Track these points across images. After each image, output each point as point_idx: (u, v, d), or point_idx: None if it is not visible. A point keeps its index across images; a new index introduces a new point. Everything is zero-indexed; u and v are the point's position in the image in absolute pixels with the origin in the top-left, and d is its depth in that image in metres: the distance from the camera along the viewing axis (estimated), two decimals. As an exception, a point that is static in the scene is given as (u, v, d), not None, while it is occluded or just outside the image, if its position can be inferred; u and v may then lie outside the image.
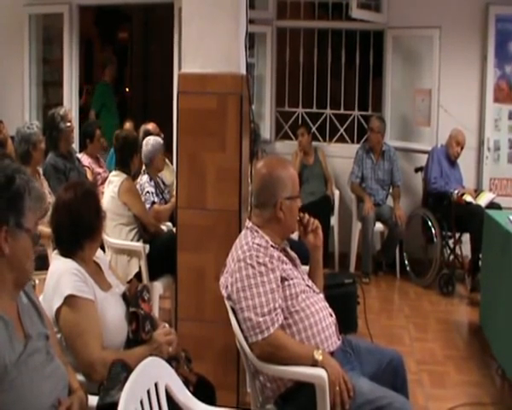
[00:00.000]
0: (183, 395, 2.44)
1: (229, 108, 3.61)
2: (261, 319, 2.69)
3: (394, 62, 7.32)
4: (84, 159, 6.17)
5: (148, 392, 2.24)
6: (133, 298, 2.82)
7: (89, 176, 5.92)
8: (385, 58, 7.36)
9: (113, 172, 4.99)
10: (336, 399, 2.63)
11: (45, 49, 8.79)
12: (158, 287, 4.65)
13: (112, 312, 2.74)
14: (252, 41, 7.20)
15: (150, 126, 6.58)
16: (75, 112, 7.96)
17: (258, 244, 2.83)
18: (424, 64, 7.18)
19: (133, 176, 5.11)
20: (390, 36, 7.26)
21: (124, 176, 4.84)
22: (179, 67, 6.90)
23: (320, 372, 2.64)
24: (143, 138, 5.67)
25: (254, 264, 2.76)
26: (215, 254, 3.55)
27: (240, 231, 3.40)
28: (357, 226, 6.78)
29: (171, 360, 2.69)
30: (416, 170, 6.88)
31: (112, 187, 4.82)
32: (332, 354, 2.81)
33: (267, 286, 2.74)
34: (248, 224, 2.96)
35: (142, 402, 2.18)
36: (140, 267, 4.64)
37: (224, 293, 2.88)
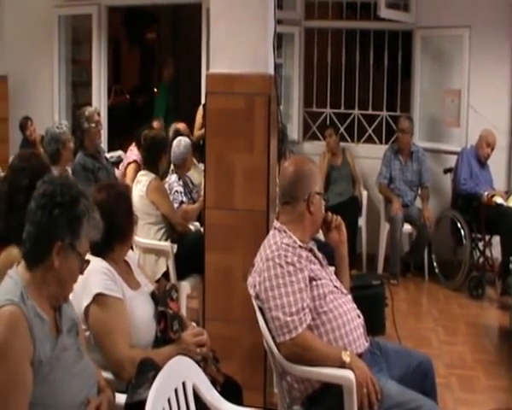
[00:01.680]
0: (211, 394, 2.45)
1: (257, 108, 3.61)
2: (289, 319, 2.69)
3: (423, 62, 7.25)
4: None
5: (176, 391, 2.25)
6: (162, 297, 2.83)
7: (117, 173, 5.98)
8: (413, 58, 7.30)
9: (141, 172, 5.02)
10: (364, 401, 2.62)
11: (74, 49, 8.90)
12: (185, 287, 4.65)
13: (140, 310, 2.75)
14: (280, 41, 7.19)
15: (181, 126, 6.59)
16: (103, 112, 8.02)
17: (286, 244, 2.82)
18: (454, 64, 7.10)
19: (161, 176, 5.13)
20: (419, 36, 7.19)
21: (152, 175, 4.86)
22: (207, 68, 6.92)
23: (348, 374, 2.63)
24: (173, 138, 5.69)
25: (283, 263, 2.76)
26: (242, 255, 3.55)
27: (267, 232, 3.40)
28: (385, 227, 6.73)
29: (200, 359, 2.69)
30: (446, 171, 6.81)
31: (140, 186, 4.84)
32: (360, 355, 2.79)
33: (295, 286, 2.73)
34: (276, 224, 2.95)
35: (169, 401, 2.19)
36: (168, 267, 4.65)
37: (251, 292, 2.88)
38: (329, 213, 3.05)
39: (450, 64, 7.15)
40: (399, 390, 2.69)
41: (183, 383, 2.30)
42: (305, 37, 7.67)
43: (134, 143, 6.44)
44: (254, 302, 2.87)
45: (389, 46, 7.52)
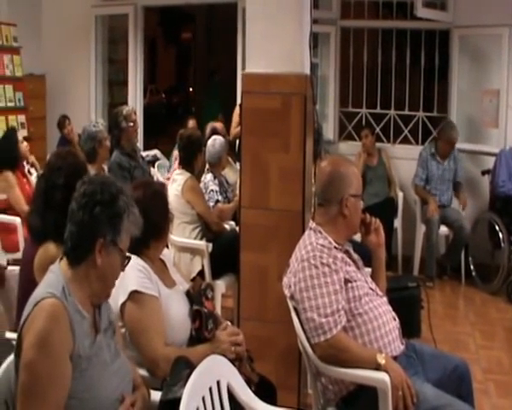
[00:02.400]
0: (245, 393, 2.45)
1: (293, 108, 3.60)
2: (324, 320, 2.67)
3: (461, 62, 7.15)
4: None
5: (211, 390, 2.25)
6: (197, 296, 2.83)
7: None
8: (451, 58, 7.21)
9: (177, 171, 5.04)
10: (399, 404, 2.59)
11: (111, 49, 9.00)
12: (220, 286, 4.66)
13: (175, 309, 2.76)
14: (315, 41, 7.15)
15: (218, 125, 6.57)
16: (139, 111, 8.08)
17: (321, 245, 2.81)
18: (492, 64, 6.99)
19: (197, 175, 5.15)
20: (456, 35, 7.10)
21: (187, 174, 4.88)
22: (243, 67, 6.92)
23: (383, 376, 2.60)
24: (210, 136, 5.70)
25: (318, 264, 2.75)
26: (278, 254, 3.54)
27: (303, 232, 3.38)
28: (421, 229, 6.66)
29: (234, 359, 2.69)
30: (483, 173, 6.70)
31: (175, 185, 4.86)
32: (395, 358, 2.77)
33: (330, 287, 2.72)
34: (312, 224, 2.94)
35: (204, 400, 2.19)
36: (203, 266, 4.66)
37: (286, 293, 2.87)
38: (368, 216, 3.02)
39: (489, 64, 7.05)
40: (436, 394, 2.66)
41: (218, 382, 2.31)
42: (340, 36, 7.64)
43: None
44: (289, 303, 2.86)
45: (426, 46, 7.45)
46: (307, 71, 3.67)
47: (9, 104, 7.73)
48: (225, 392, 2.34)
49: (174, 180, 4.96)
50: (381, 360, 2.64)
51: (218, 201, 5.20)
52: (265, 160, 3.63)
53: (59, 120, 7.86)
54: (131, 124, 5.68)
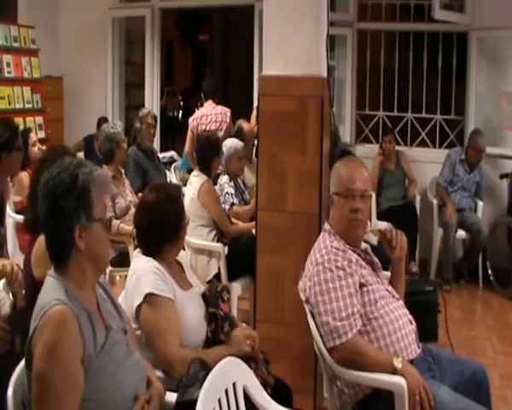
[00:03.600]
0: (261, 396, 2.45)
1: (310, 110, 3.60)
2: (339, 324, 2.67)
3: (479, 65, 7.10)
4: None
5: (227, 392, 2.25)
6: (213, 298, 2.83)
7: None
8: (469, 60, 7.15)
9: (194, 173, 5.02)
10: (416, 409, 2.57)
11: (128, 51, 9.03)
12: (236, 288, 4.64)
13: (191, 311, 2.76)
14: (332, 43, 7.14)
15: (245, 125, 6.42)
16: (157, 113, 8.10)
17: (336, 248, 2.80)
18: (511, 66, 6.93)
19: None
20: (474, 37, 7.05)
21: (204, 177, 4.85)
22: (260, 69, 6.92)
23: (399, 380, 2.59)
24: (235, 135, 5.66)
25: (333, 268, 2.74)
26: (295, 257, 3.53)
27: (319, 234, 3.37)
28: (438, 232, 6.61)
29: (250, 361, 2.68)
30: (502, 176, 6.65)
31: (192, 189, 4.84)
32: (411, 362, 2.75)
33: (345, 290, 2.71)
34: (326, 226, 2.93)
35: (220, 401, 2.19)
36: (219, 268, 4.65)
37: (302, 297, 2.86)
38: (389, 231, 2.97)
39: (507, 66, 6.98)
40: (453, 398, 2.63)
41: (234, 384, 2.31)
42: (357, 39, 7.62)
43: None
44: (305, 306, 2.85)
45: (443, 48, 7.40)
46: (324, 73, 3.67)
47: (27, 106, 7.76)
48: (241, 394, 2.34)
49: (190, 183, 4.94)
50: (398, 363, 2.63)
51: (233, 204, 5.16)
52: (282, 162, 3.63)
53: (98, 122, 7.75)
54: (145, 126, 5.72)
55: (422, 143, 7.52)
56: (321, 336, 2.76)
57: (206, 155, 4.97)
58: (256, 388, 2.43)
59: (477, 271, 6.53)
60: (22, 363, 2.13)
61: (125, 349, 2.22)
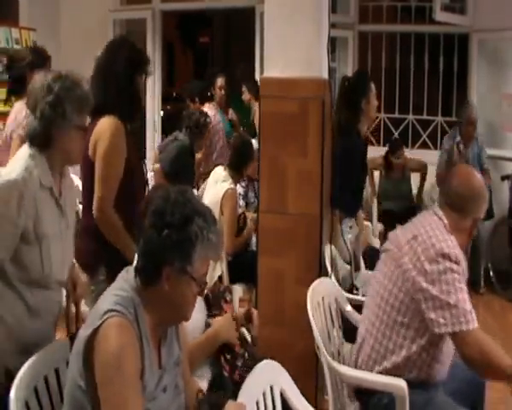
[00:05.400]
0: (299, 400, 2.42)
1: (311, 112, 3.59)
2: (468, 309, 2.59)
3: (480, 66, 7.10)
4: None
5: (264, 394, 2.26)
6: (215, 299, 2.84)
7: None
8: (470, 62, 7.16)
9: (223, 172, 4.91)
10: None
11: (129, 53, 9.00)
12: (238, 290, 4.65)
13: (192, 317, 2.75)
14: (333, 45, 7.14)
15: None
16: (157, 114, 8.13)
17: (455, 253, 2.69)
18: (512, 68, 6.95)
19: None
20: (475, 39, 7.05)
21: (231, 184, 4.79)
22: (261, 71, 6.92)
23: (399, 382, 2.59)
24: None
25: (459, 267, 2.67)
26: (296, 258, 3.53)
27: (320, 236, 3.39)
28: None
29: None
30: (503, 178, 6.64)
31: (216, 190, 4.78)
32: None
33: (464, 290, 2.65)
34: (443, 218, 2.79)
35: (257, 404, 2.21)
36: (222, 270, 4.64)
37: (406, 260, 2.73)
38: None
39: (508, 68, 6.98)
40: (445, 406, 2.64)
41: (271, 388, 2.31)
42: (358, 40, 7.63)
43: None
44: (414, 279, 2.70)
45: (445, 50, 7.42)
46: (325, 75, 3.67)
47: (28, 108, 7.79)
48: (278, 398, 2.33)
49: (216, 182, 4.84)
50: None
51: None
52: (283, 164, 3.63)
53: None
54: None
55: (423, 145, 7.52)
56: (430, 321, 2.63)
57: (240, 158, 4.91)
58: (293, 392, 2.41)
59: (478, 273, 6.53)
60: (26, 364, 2.12)
61: (172, 393, 2.06)
